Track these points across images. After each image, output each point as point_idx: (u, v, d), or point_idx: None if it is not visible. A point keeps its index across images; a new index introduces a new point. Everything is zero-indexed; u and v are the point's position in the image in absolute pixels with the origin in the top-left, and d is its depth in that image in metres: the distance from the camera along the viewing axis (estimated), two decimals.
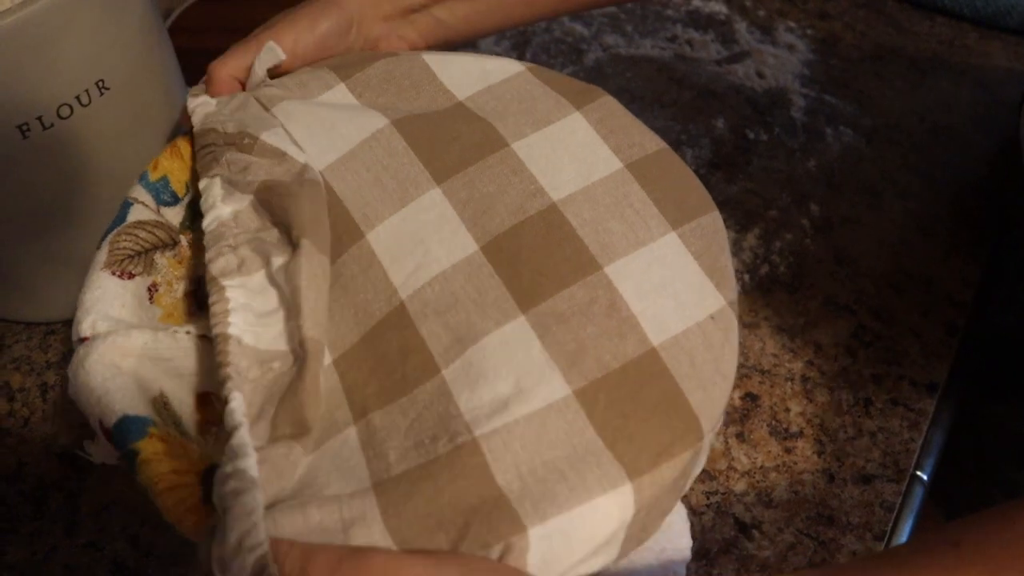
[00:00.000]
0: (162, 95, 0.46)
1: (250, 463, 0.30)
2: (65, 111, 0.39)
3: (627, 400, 0.34)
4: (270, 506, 0.30)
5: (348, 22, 0.44)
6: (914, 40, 0.68)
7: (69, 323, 0.48)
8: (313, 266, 0.36)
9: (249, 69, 0.42)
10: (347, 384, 0.35)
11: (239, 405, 0.32)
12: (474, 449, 0.32)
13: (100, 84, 0.40)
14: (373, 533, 0.30)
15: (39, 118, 0.39)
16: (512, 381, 0.34)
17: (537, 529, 0.31)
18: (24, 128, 0.39)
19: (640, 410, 0.34)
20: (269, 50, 0.42)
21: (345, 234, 0.38)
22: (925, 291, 0.52)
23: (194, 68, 0.51)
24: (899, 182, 0.58)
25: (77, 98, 0.40)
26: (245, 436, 0.31)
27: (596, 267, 0.37)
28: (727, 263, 0.38)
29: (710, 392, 0.34)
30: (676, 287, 0.37)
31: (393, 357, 0.35)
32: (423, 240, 0.38)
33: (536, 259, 0.37)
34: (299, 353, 0.34)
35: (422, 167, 0.40)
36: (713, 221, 0.39)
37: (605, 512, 0.32)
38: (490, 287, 0.36)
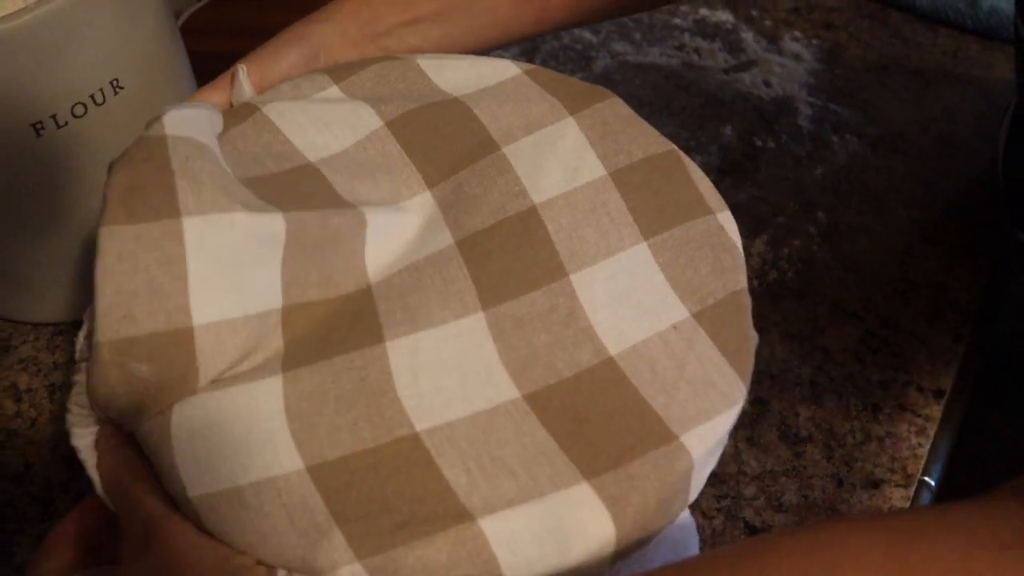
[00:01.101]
0: (175, 96, 0.46)
1: None
2: (79, 110, 0.39)
3: (582, 406, 0.33)
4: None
5: (313, 52, 0.43)
6: (918, 51, 0.68)
7: (76, 324, 0.48)
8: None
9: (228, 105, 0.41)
10: (287, 332, 0.34)
11: None
12: (416, 444, 0.31)
13: (115, 83, 0.40)
14: (317, 517, 0.29)
15: (53, 116, 0.39)
16: (457, 376, 0.33)
17: (488, 519, 0.30)
18: (38, 127, 0.39)
19: (597, 415, 0.33)
20: (239, 84, 0.41)
21: (335, 199, 0.38)
22: (931, 299, 0.52)
23: (204, 70, 0.51)
24: (904, 191, 0.58)
25: (92, 97, 0.40)
26: None
27: (562, 274, 0.36)
28: (698, 273, 0.37)
29: (675, 396, 0.33)
30: (639, 297, 0.36)
31: (341, 320, 0.35)
32: (409, 240, 0.38)
33: (506, 259, 0.37)
34: None
35: (414, 169, 0.40)
36: (687, 231, 0.38)
37: (563, 507, 0.30)
38: (456, 279, 0.36)
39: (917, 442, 0.46)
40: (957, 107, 0.64)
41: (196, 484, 0.30)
